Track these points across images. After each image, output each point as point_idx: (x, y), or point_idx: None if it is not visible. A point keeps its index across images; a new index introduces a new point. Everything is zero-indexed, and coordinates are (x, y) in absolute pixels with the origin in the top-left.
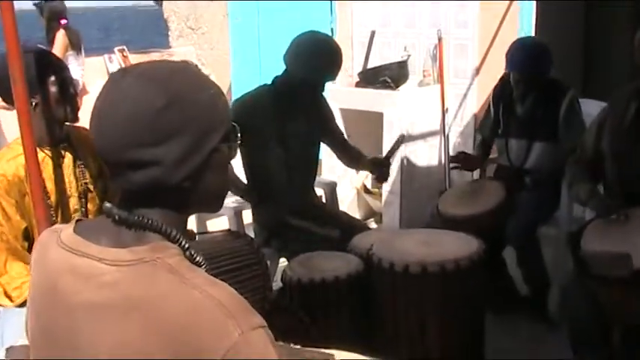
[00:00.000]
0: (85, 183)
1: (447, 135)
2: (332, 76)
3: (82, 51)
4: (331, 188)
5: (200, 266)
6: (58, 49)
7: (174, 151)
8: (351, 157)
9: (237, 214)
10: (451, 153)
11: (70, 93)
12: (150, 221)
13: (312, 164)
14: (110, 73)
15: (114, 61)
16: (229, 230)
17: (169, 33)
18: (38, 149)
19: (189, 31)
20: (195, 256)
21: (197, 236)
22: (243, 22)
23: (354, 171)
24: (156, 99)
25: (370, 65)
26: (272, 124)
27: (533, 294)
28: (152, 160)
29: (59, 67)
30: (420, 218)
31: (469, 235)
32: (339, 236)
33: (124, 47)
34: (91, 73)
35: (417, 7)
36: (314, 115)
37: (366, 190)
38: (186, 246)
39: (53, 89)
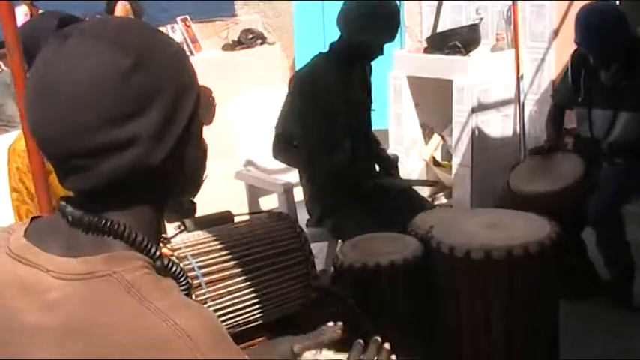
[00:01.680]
0: None
1: (522, 104)
2: (388, 38)
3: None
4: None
5: (178, 279)
6: None
7: (152, 121)
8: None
9: (288, 190)
10: (526, 123)
11: None
12: (109, 223)
13: (371, 134)
14: (51, 39)
15: (177, 32)
16: (269, 211)
17: (234, 1)
18: None
19: None
20: (171, 266)
21: (234, 218)
22: None
23: (422, 142)
24: (118, 61)
25: (440, 30)
26: (334, 94)
27: (615, 279)
28: (129, 139)
29: None
30: (492, 193)
31: (542, 217)
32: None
33: (187, 16)
34: None
35: None
36: (369, 82)
37: (436, 163)
38: (157, 254)
39: None
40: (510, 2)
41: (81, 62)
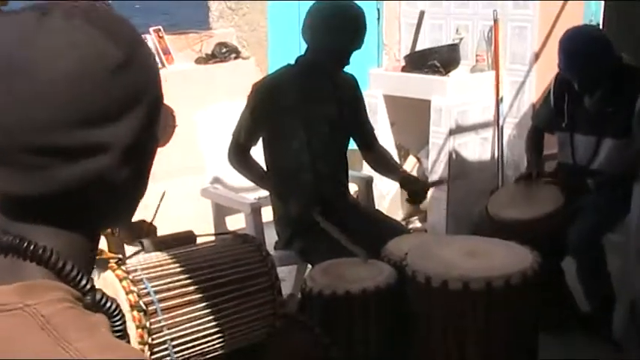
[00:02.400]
0: None
1: (502, 127)
2: (354, 43)
3: None
4: (366, 183)
5: (112, 317)
6: None
7: (128, 130)
8: (379, 159)
9: (256, 210)
10: (505, 147)
11: None
12: (32, 246)
13: (341, 153)
14: (21, 11)
15: (148, 42)
16: (234, 232)
17: (210, 14)
18: None
19: (229, 12)
20: (104, 302)
21: (197, 239)
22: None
23: (397, 162)
24: (111, 54)
25: (419, 49)
26: (295, 106)
27: (595, 311)
28: (99, 145)
29: None
30: (469, 218)
31: (523, 246)
32: (367, 256)
33: (160, 27)
34: None
35: None
36: (342, 97)
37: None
38: (88, 287)
39: None
40: (492, 22)
41: (67, 47)
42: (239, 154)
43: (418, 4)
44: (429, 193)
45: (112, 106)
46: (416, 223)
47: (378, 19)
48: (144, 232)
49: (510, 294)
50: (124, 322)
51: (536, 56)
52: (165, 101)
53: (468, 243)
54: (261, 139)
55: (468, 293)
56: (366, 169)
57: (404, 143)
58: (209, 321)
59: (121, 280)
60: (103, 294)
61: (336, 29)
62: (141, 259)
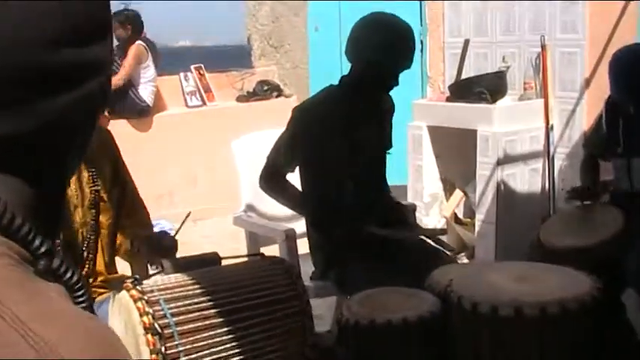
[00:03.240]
0: (96, 190)
1: (552, 157)
2: (404, 60)
3: (156, 66)
4: (410, 212)
5: (74, 292)
6: (130, 60)
7: (108, 53)
8: None
9: (290, 237)
10: (556, 178)
11: None
12: None
13: (384, 178)
14: None
15: (189, 80)
16: (262, 254)
17: (252, 52)
18: None
19: (271, 49)
20: (62, 270)
21: (222, 261)
22: (324, 33)
23: (443, 197)
24: None
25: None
26: (338, 129)
27: None
28: (92, 65)
29: None
30: (519, 252)
31: (579, 272)
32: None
33: (201, 65)
34: (163, 95)
35: (517, 11)
36: (384, 119)
37: (457, 220)
38: (43, 249)
39: None
40: (539, 49)
41: None
42: (274, 179)
43: (462, 33)
44: (477, 227)
45: (99, 25)
46: (463, 259)
47: (422, 50)
48: (166, 246)
49: (566, 321)
50: (90, 299)
51: (587, 82)
52: (205, 137)
53: (519, 268)
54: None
55: (520, 320)
56: (410, 198)
57: (449, 177)
58: (231, 347)
59: (135, 301)
60: (63, 262)
61: (386, 44)
62: (159, 280)
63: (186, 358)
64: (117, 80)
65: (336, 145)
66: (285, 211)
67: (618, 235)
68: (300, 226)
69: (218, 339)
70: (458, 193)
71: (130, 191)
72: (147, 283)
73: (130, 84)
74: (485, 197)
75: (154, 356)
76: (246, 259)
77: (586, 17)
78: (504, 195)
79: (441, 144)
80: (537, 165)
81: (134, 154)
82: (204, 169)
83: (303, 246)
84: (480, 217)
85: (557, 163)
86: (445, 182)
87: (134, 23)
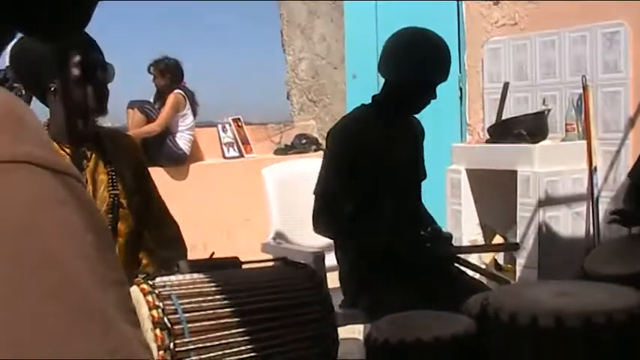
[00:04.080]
0: (115, 195)
1: (596, 200)
2: (440, 74)
3: (195, 115)
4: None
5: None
6: (168, 109)
7: None
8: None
9: (319, 259)
10: (601, 222)
11: (97, 78)
12: None
13: (420, 200)
14: None
15: (227, 131)
16: (285, 259)
17: (291, 106)
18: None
19: (310, 104)
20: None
21: (242, 266)
22: (362, 80)
23: (483, 243)
24: None
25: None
26: (375, 148)
27: None
28: None
29: (86, 47)
30: None
31: (627, 288)
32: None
33: (240, 117)
34: (201, 145)
35: (556, 53)
36: (415, 137)
37: (498, 267)
38: None
39: (76, 72)
40: (580, 90)
41: None
42: (332, 213)
43: (502, 78)
44: (518, 273)
45: None
46: None
47: (461, 97)
48: (179, 253)
49: (613, 333)
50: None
51: (632, 122)
52: (241, 188)
53: (562, 284)
54: None
55: (562, 331)
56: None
57: (489, 222)
58: (246, 350)
59: (145, 295)
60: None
61: (420, 59)
62: (172, 277)
63: (197, 357)
64: (154, 127)
65: (372, 161)
66: (314, 238)
67: None
68: (330, 258)
69: (232, 340)
70: (498, 239)
71: (155, 203)
72: (160, 279)
73: (168, 132)
74: (527, 241)
75: (161, 352)
76: (269, 263)
77: (629, 55)
78: (546, 238)
79: (480, 188)
80: (581, 208)
81: (169, 202)
82: (240, 221)
83: (332, 280)
84: (520, 261)
85: (602, 207)
86: (485, 228)
87: (173, 72)
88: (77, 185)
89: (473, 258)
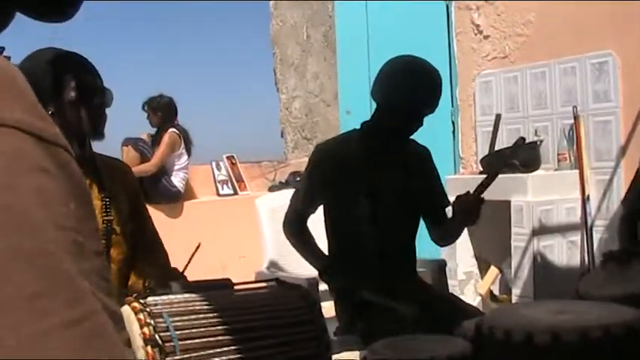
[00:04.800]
0: (109, 221)
1: (590, 228)
2: (430, 103)
3: (189, 154)
4: (439, 267)
5: None
6: (163, 148)
7: None
8: (444, 230)
9: (312, 285)
10: (596, 251)
11: (94, 102)
12: None
13: (410, 228)
14: None
15: (222, 169)
16: (277, 279)
17: (285, 144)
18: None
19: (304, 142)
20: None
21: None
22: (356, 116)
23: (478, 274)
24: None
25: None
26: (358, 171)
27: None
28: None
29: (82, 70)
30: None
31: (623, 306)
32: (418, 316)
33: (234, 155)
34: (195, 183)
35: (547, 85)
36: (412, 167)
37: (493, 298)
38: None
39: (72, 95)
40: (572, 120)
41: None
42: (295, 222)
43: (494, 110)
44: (513, 301)
45: None
46: None
47: (454, 131)
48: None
49: (611, 347)
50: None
51: (623, 150)
52: (235, 226)
53: (558, 304)
54: (322, 207)
55: (558, 347)
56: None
57: (484, 253)
58: None
59: (137, 313)
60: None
61: (412, 86)
62: (164, 297)
63: None
64: (149, 167)
65: (356, 188)
66: (308, 267)
67: None
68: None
69: (224, 358)
70: (493, 270)
71: (149, 230)
72: (151, 298)
73: (163, 171)
74: (522, 270)
75: None
76: (261, 284)
77: (618, 85)
78: (541, 268)
79: None
80: (575, 237)
81: (164, 240)
82: (235, 258)
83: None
84: (516, 291)
85: (596, 236)
86: (479, 260)
87: (166, 110)
88: (63, 155)
89: (469, 289)
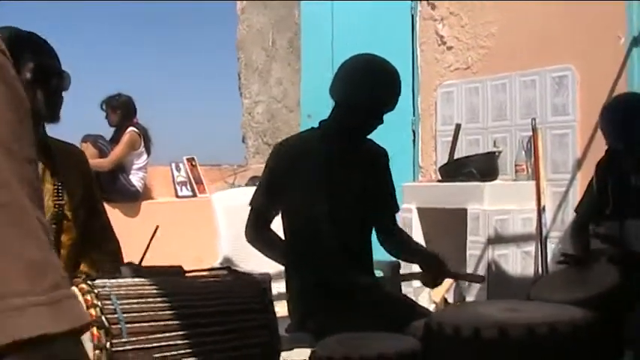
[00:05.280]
0: (60, 205)
1: (545, 239)
2: (389, 102)
3: (149, 153)
4: (393, 269)
5: None
6: (122, 146)
7: None
8: (397, 241)
9: (266, 281)
10: (549, 262)
11: (51, 84)
12: None
13: (366, 227)
14: None
15: (181, 170)
16: (229, 267)
17: (246, 149)
18: None
19: (265, 146)
20: None
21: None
22: (316, 122)
23: None
24: None
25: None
26: (315, 170)
27: None
28: None
29: (41, 51)
30: None
31: (572, 306)
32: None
33: (194, 157)
34: (154, 183)
35: (507, 97)
36: (369, 167)
37: (447, 305)
38: None
39: (27, 76)
40: (530, 132)
41: None
42: (258, 226)
43: (455, 120)
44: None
45: None
46: None
47: (414, 140)
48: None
49: (556, 344)
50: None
51: (579, 164)
52: (193, 228)
53: (509, 303)
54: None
55: (505, 342)
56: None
57: None
58: (186, 354)
59: (83, 294)
60: None
61: (372, 84)
62: (113, 280)
63: (135, 358)
64: (104, 163)
65: (313, 186)
66: (262, 265)
67: (614, 290)
68: (279, 286)
69: (171, 342)
70: (447, 280)
71: (101, 217)
72: (100, 281)
73: (122, 169)
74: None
75: (97, 352)
76: (214, 272)
77: (577, 99)
78: (495, 276)
79: (431, 226)
80: (530, 248)
81: (120, 239)
82: (191, 259)
83: (281, 307)
84: (470, 299)
85: (551, 247)
86: None
87: (125, 109)
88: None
89: (423, 297)
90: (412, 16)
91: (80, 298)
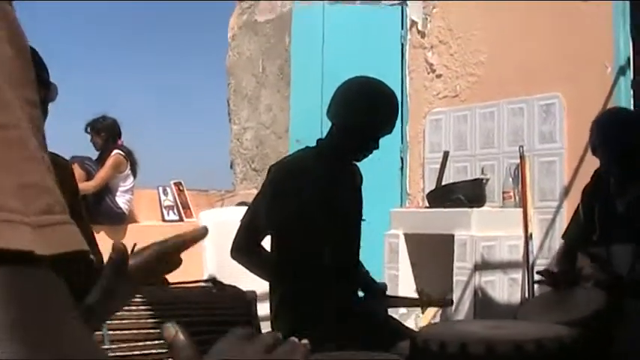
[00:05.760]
0: None
1: (532, 266)
2: (385, 123)
3: (135, 175)
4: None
5: None
6: (107, 169)
7: None
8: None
9: (252, 298)
10: (536, 289)
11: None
12: None
13: (358, 247)
14: None
15: (168, 194)
16: (214, 279)
17: (234, 175)
18: None
19: (253, 173)
20: None
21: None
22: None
23: (419, 308)
24: None
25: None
26: (313, 188)
27: None
28: None
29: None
30: None
31: (558, 325)
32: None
33: (181, 182)
34: (140, 206)
35: (495, 125)
36: (357, 186)
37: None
38: None
39: None
40: (518, 160)
41: None
42: (250, 246)
43: (443, 148)
44: None
45: None
46: None
47: (402, 168)
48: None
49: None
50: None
51: (567, 191)
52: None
53: (495, 322)
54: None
55: (492, 358)
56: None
57: (426, 286)
58: None
59: None
60: None
61: (370, 107)
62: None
63: None
64: (89, 186)
65: (311, 205)
66: (248, 284)
67: (600, 312)
68: (265, 307)
69: (153, 351)
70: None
71: (84, 229)
72: None
73: (108, 191)
74: (463, 305)
75: None
76: (199, 284)
77: (564, 126)
78: (482, 303)
79: (418, 253)
80: (517, 275)
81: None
82: (176, 279)
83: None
84: None
85: (537, 275)
86: (421, 294)
87: (109, 131)
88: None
89: (409, 323)
90: (402, 44)
91: None
